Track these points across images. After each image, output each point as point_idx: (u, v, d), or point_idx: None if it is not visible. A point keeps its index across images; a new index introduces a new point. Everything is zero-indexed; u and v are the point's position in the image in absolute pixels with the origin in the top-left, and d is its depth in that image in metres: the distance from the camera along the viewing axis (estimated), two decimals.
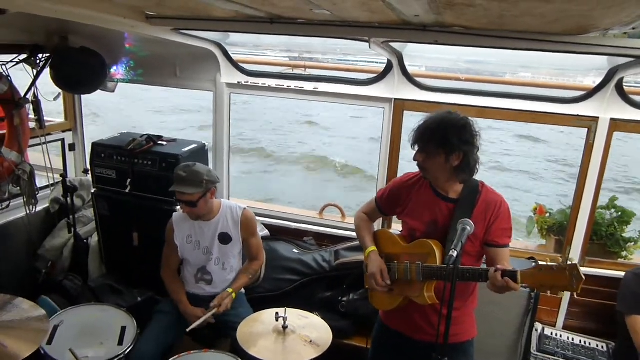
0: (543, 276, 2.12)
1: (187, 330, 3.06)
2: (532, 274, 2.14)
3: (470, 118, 2.39)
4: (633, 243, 3.73)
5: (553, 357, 3.35)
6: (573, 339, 3.52)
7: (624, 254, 3.73)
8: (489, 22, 2.36)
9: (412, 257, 2.48)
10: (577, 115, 3.46)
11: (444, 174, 2.41)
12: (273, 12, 2.73)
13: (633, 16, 1.80)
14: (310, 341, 2.65)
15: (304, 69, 4.29)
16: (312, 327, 2.78)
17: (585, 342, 3.49)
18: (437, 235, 2.44)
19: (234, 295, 3.27)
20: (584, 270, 2.29)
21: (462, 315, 2.50)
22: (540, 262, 2.27)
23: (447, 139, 2.29)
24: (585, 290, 2.33)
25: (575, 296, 2.09)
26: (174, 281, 3.41)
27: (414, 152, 2.42)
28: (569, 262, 2.07)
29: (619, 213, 3.76)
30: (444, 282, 2.31)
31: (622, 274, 3.33)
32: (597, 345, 3.46)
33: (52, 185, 4.41)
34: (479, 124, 2.38)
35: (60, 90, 4.25)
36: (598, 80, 3.40)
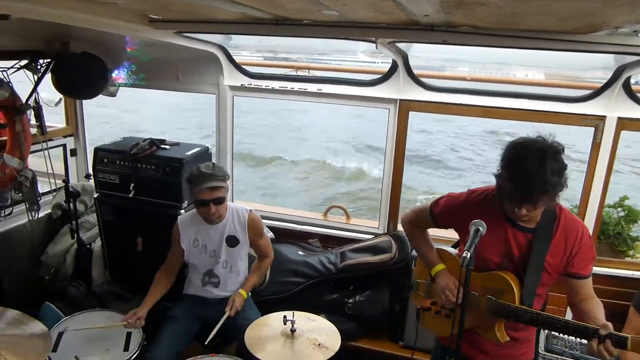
0: None
1: (206, 342, 2.95)
2: None
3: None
4: None
5: (561, 357, 3.32)
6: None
7: (631, 252, 3.73)
8: (499, 20, 2.34)
9: (483, 290, 2.30)
10: (584, 115, 3.45)
11: None
12: (280, 14, 2.70)
13: None
14: (319, 344, 2.62)
15: (307, 71, 4.27)
16: (320, 330, 2.75)
17: None
18: (513, 268, 2.27)
19: (245, 295, 3.24)
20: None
21: (530, 334, 2.47)
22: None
23: (560, 182, 2.01)
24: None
25: None
26: (160, 282, 3.33)
27: (513, 205, 2.08)
28: None
29: (626, 212, 3.76)
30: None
31: (630, 272, 3.31)
32: None
33: (54, 190, 4.37)
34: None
35: (61, 96, 4.23)
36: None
